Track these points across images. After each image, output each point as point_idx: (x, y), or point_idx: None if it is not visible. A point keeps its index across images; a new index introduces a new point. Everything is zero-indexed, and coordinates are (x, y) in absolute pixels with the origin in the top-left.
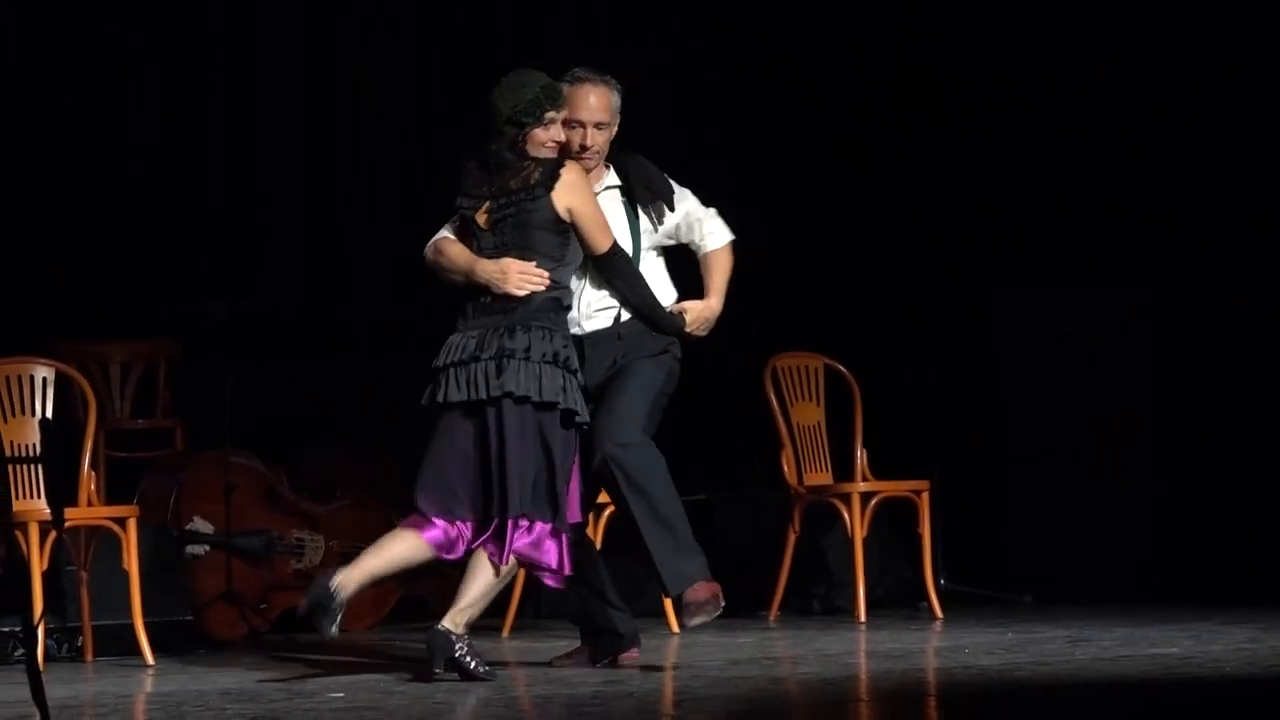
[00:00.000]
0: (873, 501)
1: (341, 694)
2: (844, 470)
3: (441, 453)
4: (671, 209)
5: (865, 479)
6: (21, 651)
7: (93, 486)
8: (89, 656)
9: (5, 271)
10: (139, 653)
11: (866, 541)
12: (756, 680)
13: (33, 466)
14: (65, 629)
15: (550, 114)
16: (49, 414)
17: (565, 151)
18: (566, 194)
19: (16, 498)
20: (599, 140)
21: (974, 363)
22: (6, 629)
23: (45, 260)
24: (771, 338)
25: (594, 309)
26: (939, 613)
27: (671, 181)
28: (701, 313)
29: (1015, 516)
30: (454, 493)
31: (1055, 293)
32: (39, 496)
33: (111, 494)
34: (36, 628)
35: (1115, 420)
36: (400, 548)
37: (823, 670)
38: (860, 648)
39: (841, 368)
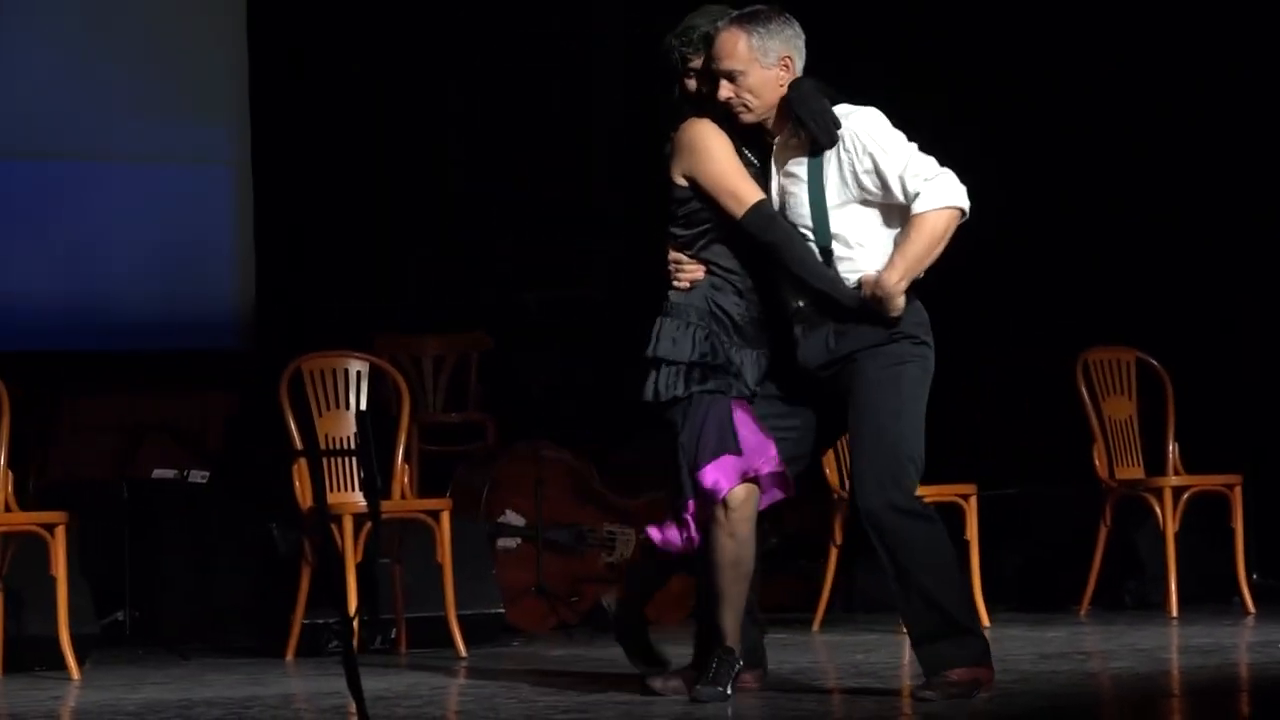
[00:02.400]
0: (1185, 495)
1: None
2: (1156, 464)
3: None
4: (831, 143)
5: (1177, 473)
6: (337, 643)
7: (406, 479)
8: (402, 648)
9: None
10: (452, 645)
11: (1178, 535)
12: (1069, 674)
13: (346, 459)
14: (379, 621)
15: (693, 62)
16: (364, 407)
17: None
18: (676, 160)
19: (331, 490)
20: (733, 92)
21: None
22: (322, 621)
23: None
24: (1083, 331)
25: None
26: (1251, 607)
27: (886, 133)
28: (869, 286)
29: None
30: None
31: None
32: (353, 489)
33: (424, 487)
34: (352, 620)
35: None
36: None
37: (1135, 665)
38: (1173, 642)
39: (1153, 361)
